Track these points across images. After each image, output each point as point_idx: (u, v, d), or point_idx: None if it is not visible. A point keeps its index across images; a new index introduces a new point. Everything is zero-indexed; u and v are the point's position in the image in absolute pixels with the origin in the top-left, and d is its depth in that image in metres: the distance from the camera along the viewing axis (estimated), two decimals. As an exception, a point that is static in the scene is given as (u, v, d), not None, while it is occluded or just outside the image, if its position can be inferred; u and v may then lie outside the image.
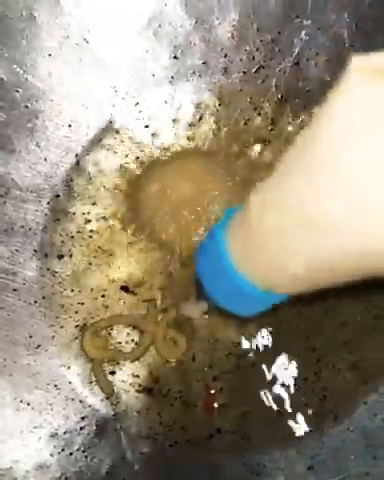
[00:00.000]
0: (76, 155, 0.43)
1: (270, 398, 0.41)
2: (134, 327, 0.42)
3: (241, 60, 0.43)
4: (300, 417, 0.41)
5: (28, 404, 0.40)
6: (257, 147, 0.43)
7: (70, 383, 0.41)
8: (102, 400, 0.41)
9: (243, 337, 0.42)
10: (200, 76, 0.44)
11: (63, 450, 0.40)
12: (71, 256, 0.42)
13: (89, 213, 0.43)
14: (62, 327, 0.42)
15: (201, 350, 0.42)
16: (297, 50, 0.43)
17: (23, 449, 0.40)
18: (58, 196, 0.43)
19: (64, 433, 0.40)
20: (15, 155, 0.42)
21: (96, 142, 0.43)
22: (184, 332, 0.41)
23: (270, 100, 0.44)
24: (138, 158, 0.43)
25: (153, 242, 0.42)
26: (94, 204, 0.43)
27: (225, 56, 0.43)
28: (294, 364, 0.41)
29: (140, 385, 0.41)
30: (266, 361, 0.41)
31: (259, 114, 0.44)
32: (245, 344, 0.42)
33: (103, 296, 0.42)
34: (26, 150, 0.42)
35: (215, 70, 0.44)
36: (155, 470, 0.40)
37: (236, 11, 0.43)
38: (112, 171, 0.43)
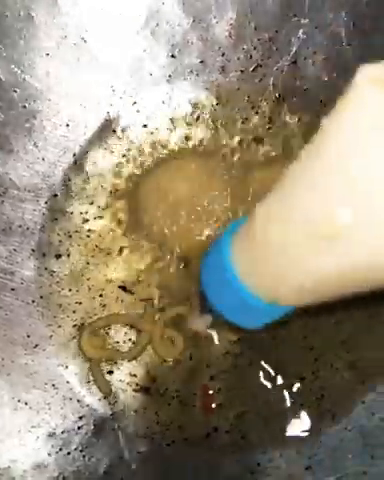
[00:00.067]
0: (74, 154, 0.43)
1: (268, 397, 0.41)
2: (131, 326, 0.42)
3: (239, 59, 0.43)
4: (298, 416, 0.41)
5: (26, 403, 0.40)
6: (255, 146, 0.43)
7: (68, 382, 0.41)
8: (100, 399, 0.41)
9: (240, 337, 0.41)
10: (198, 75, 0.44)
11: (61, 449, 0.40)
12: (69, 255, 0.42)
13: (87, 212, 0.43)
14: (60, 326, 0.42)
15: (198, 349, 0.42)
16: (295, 49, 0.43)
17: (21, 448, 0.40)
18: (56, 195, 0.43)
19: (62, 432, 0.40)
20: (13, 155, 0.42)
21: (94, 141, 0.43)
22: (181, 331, 0.41)
23: (268, 99, 0.44)
24: (136, 157, 0.43)
25: (150, 241, 0.42)
26: (92, 203, 0.43)
27: (223, 55, 0.43)
28: (291, 363, 0.41)
29: (137, 384, 0.41)
30: (264, 360, 0.41)
31: (257, 113, 0.44)
32: (243, 343, 0.41)
33: (101, 295, 0.42)
34: (24, 150, 0.42)
35: (213, 69, 0.44)
36: (153, 469, 0.40)
37: (233, 10, 0.43)
38: (110, 170, 0.43)
